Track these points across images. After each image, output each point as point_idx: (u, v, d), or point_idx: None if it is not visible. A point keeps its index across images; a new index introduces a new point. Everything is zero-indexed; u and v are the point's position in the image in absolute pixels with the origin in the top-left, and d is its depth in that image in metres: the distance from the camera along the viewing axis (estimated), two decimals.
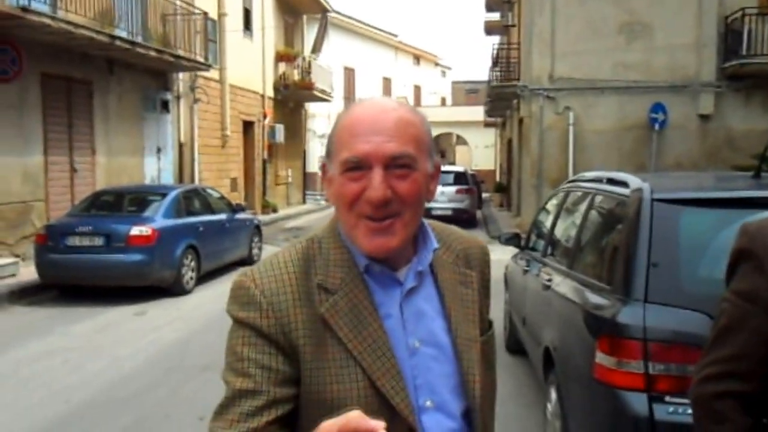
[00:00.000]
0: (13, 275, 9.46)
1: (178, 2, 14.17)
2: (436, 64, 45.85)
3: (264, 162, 20.98)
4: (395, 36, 38.05)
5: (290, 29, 23.97)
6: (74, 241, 8.67)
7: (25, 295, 8.81)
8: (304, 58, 22.94)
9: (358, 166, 1.12)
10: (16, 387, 5.54)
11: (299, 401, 1.15)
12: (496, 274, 6.88)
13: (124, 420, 4.81)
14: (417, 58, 42.17)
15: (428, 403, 1.18)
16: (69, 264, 8.60)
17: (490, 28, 29.01)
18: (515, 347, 6.06)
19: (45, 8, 9.80)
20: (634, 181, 3.48)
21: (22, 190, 10.64)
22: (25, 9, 9.16)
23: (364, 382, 1.14)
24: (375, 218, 1.13)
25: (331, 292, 1.16)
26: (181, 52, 13.95)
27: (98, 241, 8.66)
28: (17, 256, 10.09)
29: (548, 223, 5.37)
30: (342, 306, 1.16)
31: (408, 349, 1.18)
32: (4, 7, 8.89)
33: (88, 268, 8.59)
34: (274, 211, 20.74)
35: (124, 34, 11.93)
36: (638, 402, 2.76)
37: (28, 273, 9.30)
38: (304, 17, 25.35)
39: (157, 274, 8.89)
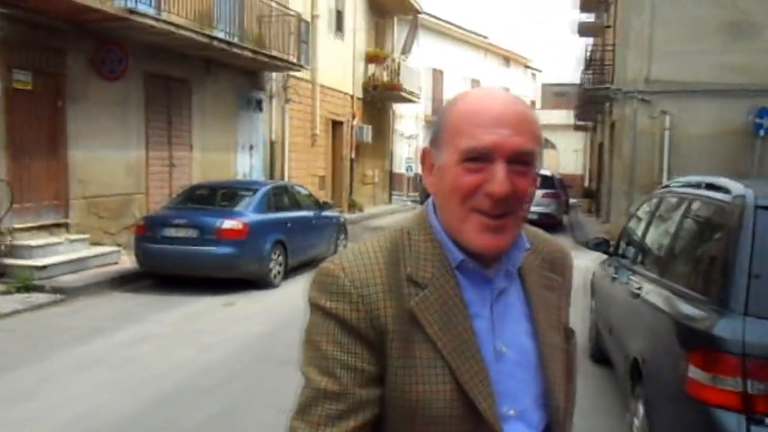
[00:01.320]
0: (115, 263, 9.97)
1: (274, 4, 14.53)
2: (526, 66, 45.07)
3: (351, 161, 21.23)
4: (485, 37, 37.65)
5: (380, 30, 24.14)
6: (170, 232, 9.04)
7: (124, 282, 9.27)
8: (393, 59, 23.05)
9: (479, 158, 1.07)
10: (115, 369, 5.83)
11: (383, 402, 1.10)
12: (581, 281, 6.62)
13: (210, 408, 4.96)
14: (506, 60, 41.59)
15: (511, 411, 1.12)
16: (164, 254, 8.99)
17: (583, 30, 28.24)
18: (600, 356, 5.85)
19: (150, 10, 10.28)
20: (736, 186, 3.28)
21: (124, 182, 11.21)
22: (131, 11, 9.63)
23: (451, 384, 1.08)
24: (490, 214, 1.08)
25: (421, 286, 1.11)
26: (274, 53, 14.30)
27: (192, 233, 9.00)
28: (119, 245, 10.62)
29: (639, 229, 5.15)
30: (432, 301, 1.10)
31: (494, 353, 1.12)
32: (112, 9, 9.37)
33: (182, 258, 8.94)
34: (360, 210, 20.95)
35: (221, 35, 12.35)
36: (734, 422, 2.60)
37: (128, 261, 9.77)
38: (395, 18, 25.47)
39: (246, 266, 9.14)
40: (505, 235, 1.11)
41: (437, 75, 32.95)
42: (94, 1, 9.05)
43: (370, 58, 22.30)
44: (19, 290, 8.12)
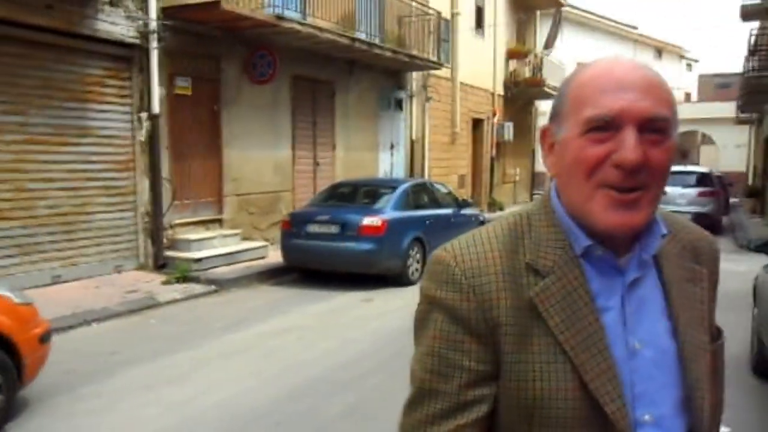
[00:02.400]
0: (263, 257, 10.49)
1: (414, 4, 14.64)
2: (681, 57, 42.27)
3: (492, 159, 20.95)
4: (634, 28, 35.76)
5: (522, 26, 23.61)
6: (314, 228, 9.36)
7: (271, 275, 9.73)
8: (535, 55, 22.47)
9: (605, 126, 0.97)
10: (260, 358, 6.12)
11: (498, 399, 1.03)
12: (745, 287, 6.06)
13: (348, 400, 5.06)
14: (659, 51, 39.24)
15: (647, 416, 1.02)
16: (308, 249, 9.32)
17: (747, 13, 25.97)
18: (764, 369, 5.33)
19: (296, 15, 10.72)
20: None
21: (273, 181, 11.79)
22: (279, 17, 10.10)
23: (574, 382, 0.99)
24: (621, 188, 0.98)
25: (542, 274, 1.02)
26: (415, 52, 14.41)
27: (334, 230, 9.26)
28: (267, 240, 11.18)
29: None
30: (554, 291, 1.01)
31: (627, 350, 1.02)
32: (262, 16, 9.88)
33: (324, 254, 9.23)
34: (500, 208, 20.60)
35: (363, 37, 12.63)
36: None
37: (275, 256, 10.24)
38: (537, 13, 24.81)
39: (385, 263, 9.27)
40: (639, 212, 0.99)
41: None
42: (245, 9, 9.60)
43: (512, 55, 21.87)
44: (178, 280, 8.77)
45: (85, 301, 7.57)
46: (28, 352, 4.41)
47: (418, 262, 9.81)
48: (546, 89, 22.15)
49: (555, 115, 1.07)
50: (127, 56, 9.10)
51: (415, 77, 16.29)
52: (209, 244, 9.93)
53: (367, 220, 9.17)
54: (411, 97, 16.23)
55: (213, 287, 8.75)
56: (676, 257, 1.11)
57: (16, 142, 7.85)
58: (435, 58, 15.30)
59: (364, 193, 10.49)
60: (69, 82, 8.43)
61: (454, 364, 1.02)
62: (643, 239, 1.05)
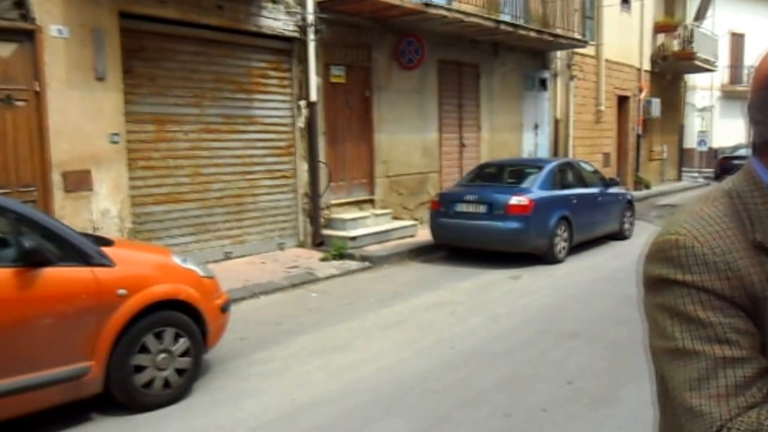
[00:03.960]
0: (413, 236, 10.51)
1: None
2: None
3: (638, 137, 19.67)
4: None
5: None
6: (461, 207, 9.23)
7: (420, 253, 9.72)
8: (685, 27, 20.71)
9: None
10: (414, 330, 6.11)
11: None
12: None
13: (500, 372, 4.93)
14: None
15: None
16: (456, 228, 9.21)
17: None
18: None
19: (442, 2, 10.55)
20: None
21: (421, 162, 11.76)
22: (427, 4, 9.97)
23: None
24: None
25: None
26: (559, 31, 13.74)
27: (481, 209, 9.07)
28: (416, 219, 11.20)
29: None
30: None
31: None
32: (411, 4, 9.80)
33: (472, 232, 9.07)
34: (647, 187, 19.37)
35: (507, 19, 12.21)
36: None
37: (424, 234, 10.22)
38: None
39: (532, 242, 8.96)
40: None
41: (737, 40, 28.85)
42: None
43: (659, 28, 20.32)
44: (334, 257, 8.98)
45: (253, 276, 7.95)
46: (211, 320, 4.67)
47: (564, 241, 9.39)
48: (696, 62, 20.41)
49: None
50: (287, 49, 9.40)
51: (559, 56, 15.56)
52: (362, 223, 10.09)
53: (515, 200, 8.89)
54: (555, 76, 15.55)
55: (367, 264, 8.88)
56: None
57: (192, 131, 8.36)
58: (580, 37, 14.51)
59: (510, 173, 10.19)
60: (237, 75, 8.84)
61: (739, 330, 0.92)
62: None
